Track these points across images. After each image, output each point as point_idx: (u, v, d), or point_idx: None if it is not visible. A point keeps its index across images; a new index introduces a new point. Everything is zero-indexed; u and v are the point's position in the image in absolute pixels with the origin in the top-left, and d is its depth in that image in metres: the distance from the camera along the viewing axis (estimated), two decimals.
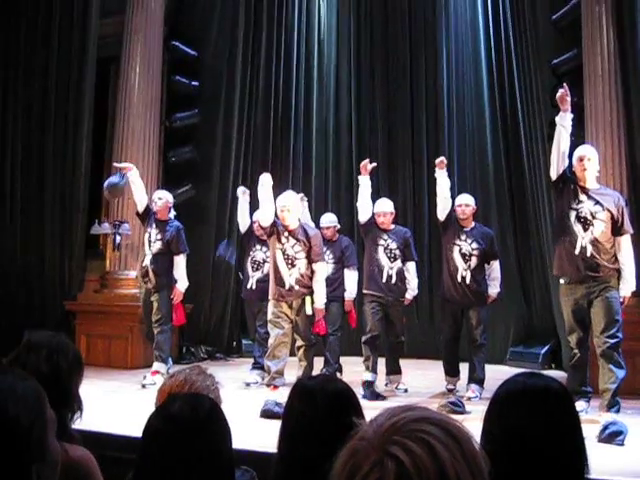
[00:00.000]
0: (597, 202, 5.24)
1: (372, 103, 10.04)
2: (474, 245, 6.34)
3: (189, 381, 2.21)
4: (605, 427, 4.48)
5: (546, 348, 8.09)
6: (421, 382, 6.97)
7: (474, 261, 6.32)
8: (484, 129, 9.27)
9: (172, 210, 7.47)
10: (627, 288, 5.22)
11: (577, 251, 5.21)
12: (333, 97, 10.24)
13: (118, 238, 8.21)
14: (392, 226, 6.78)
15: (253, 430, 4.44)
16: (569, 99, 5.33)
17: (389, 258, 6.58)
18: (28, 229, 8.80)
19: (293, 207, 6.09)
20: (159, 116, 9.00)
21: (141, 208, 7.29)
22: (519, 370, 1.97)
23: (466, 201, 6.48)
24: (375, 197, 9.49)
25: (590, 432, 4.36)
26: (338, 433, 0.97)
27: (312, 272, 6.09)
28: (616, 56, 6.70)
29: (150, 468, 1.62)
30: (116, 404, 5.54)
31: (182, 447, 1.60)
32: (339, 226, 7.49)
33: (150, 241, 7.16)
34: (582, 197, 5.27)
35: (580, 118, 7.05)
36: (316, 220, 7.69)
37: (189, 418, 1.65)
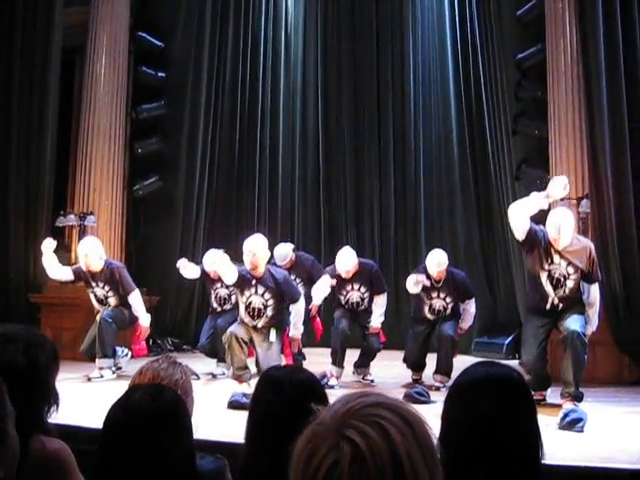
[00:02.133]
0: (570, 262, 5.18)
1: (338, 95, 10.06)
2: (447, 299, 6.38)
3: (157, 378, 2.21)
4: (565, 414, 4.58)
5: (510, 338, 8.21)
6: (388, 372, 7.04)
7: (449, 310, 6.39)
8: (450, 121, 9.37)
9: (101, 253, 6.94)
10: (589, 329, 5.29)
11: (548, 306, 5.29)
12: (300, 88, 10.24)
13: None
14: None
15: (221, 421, 4.47)
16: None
17: (351, 310, 6.61)
18: None
19: (261, 252, 5.83)
20: (125, 107, 8.93)
21: (68, 276, 6.92)
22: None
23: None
24: (342, 193, 9.66)
25: (551, 420, 4.48)
26: (304, 422, 1.01)
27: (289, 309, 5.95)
28: (579, 51, 6.80)
29: (111, 458, 1.63)
30: (85, 397, 5.52)
31: (142, 438, 1.60)
32: (292, 253, 7.12)
33: (102, 299, 6.87)
34: (555, 258, 5.19)
35: (544, 112, 7.18)
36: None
37: (149, 409, 1.65)
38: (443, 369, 6.22)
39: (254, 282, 5.84)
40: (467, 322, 6.61)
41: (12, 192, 8.64)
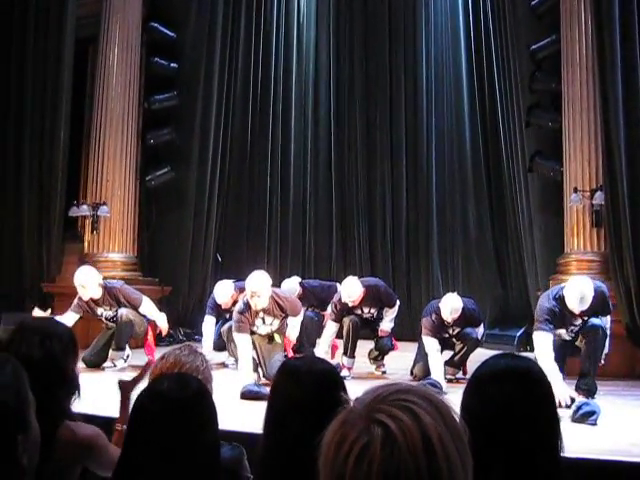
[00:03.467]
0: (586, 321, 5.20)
1: (351, 87, 10.05)
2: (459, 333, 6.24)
3: (179, 362, 2.25)
4: (579, 407, 4.57)
5: (521, 331, 8.19)
6: (400, 364, 7.04)
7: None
8: (462, 114, 9.34)
9: (98, 279, 6.77)
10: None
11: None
12: (312, 78, 10.24)
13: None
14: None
15: (235, 410, 4.49)
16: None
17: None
18: (6, 211, 8.74)
19: (264, 291, 5.72)
20: (138, 98, 8.96)
21: (75, 319, 6.60)
22: (495, 352, 2.03)
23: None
24: (354, 188, 9.65)
25: (564, 412, 4.47)
26: (323, 412, 1.01)
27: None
28: (594, 43, 6.74)
29: (138, 446, 1.66)
30: (98, 385, 5.56)
31: (169, 425, 1.63)
32: (300, 288, 7.14)
33: (112, 319, 6.79)
34: (574, 321, 5.22)
35: (558, 104, 7.13)
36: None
37: (177, 397, 1.68)
38: (455, 363, 6.22)
39: (261, 314, 5.85)
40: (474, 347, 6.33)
41: (26, 182, 8.69)
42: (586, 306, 5.03)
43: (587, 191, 6.68)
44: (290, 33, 10.21)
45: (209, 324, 7.13)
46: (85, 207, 8.40)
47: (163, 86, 9.37)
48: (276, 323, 5.92)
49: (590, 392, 5.03)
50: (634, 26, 6.48)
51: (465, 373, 6.11)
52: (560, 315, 5.14)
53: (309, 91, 10.23)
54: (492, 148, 8.95)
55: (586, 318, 5.15)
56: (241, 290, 6.35)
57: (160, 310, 8.35)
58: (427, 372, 6.00)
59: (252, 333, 5.90)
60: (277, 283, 6.70)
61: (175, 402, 1.68)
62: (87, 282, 6.62)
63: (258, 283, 5.74)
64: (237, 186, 9.90)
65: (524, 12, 7.86)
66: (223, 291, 7.02)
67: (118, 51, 8.65)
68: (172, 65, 9.41)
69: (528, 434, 1.55)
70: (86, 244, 8.58)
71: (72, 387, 2.23)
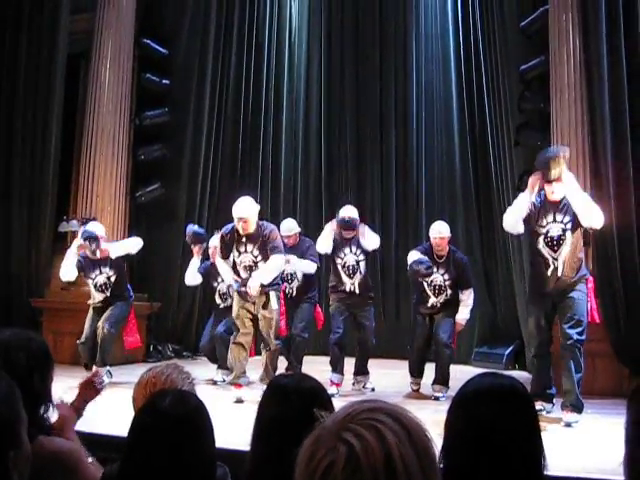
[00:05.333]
0: (565, 214, 5.23)
1: (342, 104, 10.11)
2: (446, 276, 6.41)
3: (165, 373, 2.25)
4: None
5: (510, 349, 8.23)
6: (387, 382, 7.05)
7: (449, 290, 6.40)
8: (452, 132, 9.40)
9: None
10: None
11: (549, 272, 5.27)
12: (303, 97, 10.30)
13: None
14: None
15: (222, 428, 4.47)
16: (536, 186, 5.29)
17: (348, 275, 6.61)
18: None
19: (251, 216, 5.94)
20: (129, 113, 8.99)
21: (75, 276, 7.05)
22: (482, 370, 2.05)
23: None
24: (344, 197, 9.65)
25: (551, 430, 4.48)
26: (309, 429, 1.03)
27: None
28: (582, 63, 6.82)
29: (138, 462, 1.66)
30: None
31: (170, 442, 1.64)
32: (299, 230, 7.27)
33: (102, 285, 6.92)
34: (549, 217, 5.26)
35: (546, 124, 7.20)
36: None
37: (178, 414, 1.69)
38: (441, 379, 6.26)
39: (244, 239, 5.98)
40: (463, 315, 6.47)
41: (15, 197, 8.68)
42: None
43: None
44: (282, 50, 10.28)
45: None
46: (75, 222, 8.38)
47: (154, 102, 9.40)
48: (260, 258, 5.97)
49: (576, 408, 5.05)
50: (620, 47, 6.56)
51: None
52: (535, 204, 5.30)
53: (300, 108, 10.28)
54: (481, 167, 9.01)
55: (563, 216, 5.22)
56: None
57: (148, 328, 8.39)
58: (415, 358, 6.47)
59: (234, 267, 6.04)
60: None
61: (177, 419, 1.69)
62: (100, 232, 6.94)
63: (246, 209, 5.92)
64: (227, 202, 9.87)
65: (513, 32, 7.94)
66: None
67: (110, 67, 8.68)
68: (164, 81, 9.45)
69: (511, 452, 1.57)
70: (77, 259, 8.54)
71: (40, 400, 2.21)
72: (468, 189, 9.19)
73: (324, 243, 6.63)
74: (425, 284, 6.41)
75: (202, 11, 9.63)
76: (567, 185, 5.19)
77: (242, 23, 9.90)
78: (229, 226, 6.11)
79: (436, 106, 9.60)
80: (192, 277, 7.58)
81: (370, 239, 6.67)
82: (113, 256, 6.89)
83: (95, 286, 6.94)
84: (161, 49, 9.46)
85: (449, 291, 6.39)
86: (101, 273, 6.90)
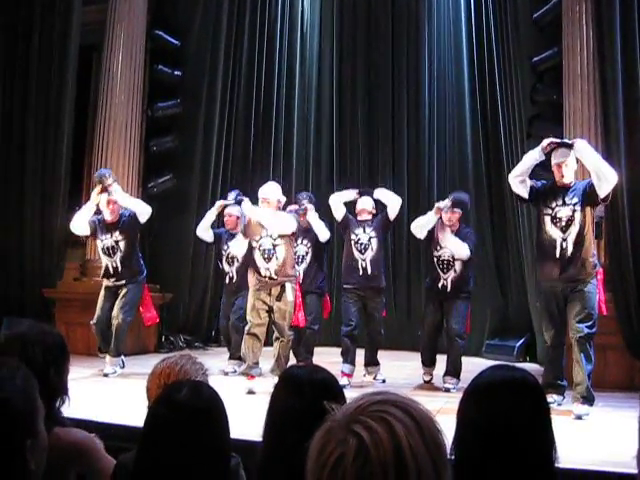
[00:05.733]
0: (572, 198, 5.30)
1: (353, 96, 10.08)
2: None
3: (179, 364, 2.27)
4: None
5: (521, 341, 8.22)
6: (398, 373, 7.07)
7: (457, 265, 6.41)
8: (464, 124, 9.37)
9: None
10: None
11: (557, 253, 5.27)
12: (315, 88, 10.28)
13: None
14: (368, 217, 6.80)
15: (233, 418, 4.50)
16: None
17: (360, 251, 6.64)
18: (8, 216, 8.75)
19: (273, 200, 6.15)
20: (141, 105, 8.99)
21: (86, 232, 7.09)
22: (494, 362, 2.06)
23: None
24: (356, 187, 9.62)
25: (562, 423, 4.48)
26: (321, 421, 1.04)
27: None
28: (595, 55, 6.77)
29: (154, 453, 1.68)
30: (100, 392, 5.59)
31: (186, 433, 1.66)
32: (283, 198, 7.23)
33: (109, 248, 6.93)
34: (558, 199, 5.32)
35: (559, 116, 7.16)
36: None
37: (194, 405, 1.71)
38: (452, 371, 6.27)
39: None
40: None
41: (28, 187, 8.72)
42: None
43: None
44: (294, 42, 10.25)
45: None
46: None
47: (166, 93, 9.42)
48: (279, 241, 6.10)
49: (587, 400, 5.05)
50: (635, 38, 6.52)
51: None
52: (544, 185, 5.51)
53: (312, 100, 10.27)
54: (494, 159, 8.98)
55: (572, 200, 5.29)
56: None
57: (160, 317, 8.42)
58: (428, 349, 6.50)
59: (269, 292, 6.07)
60: None
61: (193, 410, 1.71)
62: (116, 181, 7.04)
63: (271, 192, 6.22)
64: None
65: (526, 24, 7.90)
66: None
67: (122, 58, 8.69)
68: (176, 73, 9.46)
69: (523, 445, 1.58)
70: (87, 250, 8.60)
71: (57, 394, 2.24)
72: (480, 182, 9.16)
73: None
74: (435, 259, 6.43)
75: (214, 2, 9.63)
76: (578, 144, 5.27)
77: (254, 14, 9.88)
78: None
79: (448, 98, 9.56)
80: (204, 230, 7.53)
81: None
82: (120, 202, 6.89)
83: (103, 249, 6.95)
84: (173, 40, 9.47)
85: (457, 266, 6.37)
86: (111, 236, 6.91)
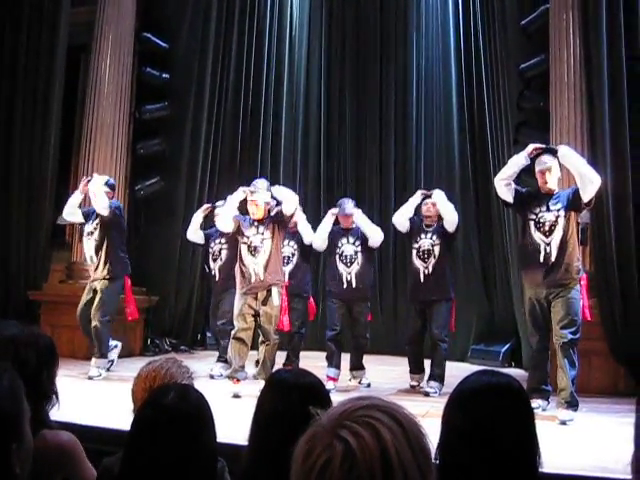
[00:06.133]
0: (556, 204, 5.37)
1: (341, 102, 10.12)
2: (434, 238, 6.46)
3: (165, 367, 2.27)
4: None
5: (507, 346, 8.24)
6: (384, 378, 7.08)
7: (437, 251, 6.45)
8: (452, 130, 9.40)
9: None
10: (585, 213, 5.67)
11: (542, 258, 5.32)
12: (303, 93, 10.29)
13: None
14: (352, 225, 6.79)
15: (219, 422, 4.49)
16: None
17: (345, 264, 6.65)
18: None
19: (262, 199, 6.12)
20: (129, 107, 8.96)
21: (79, 219, 7.27)
22: (479, 367, 2.07)
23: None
24: (342, 190, 9.66)
25: (546, 428, 4.50)
26: (307, 425, 1.04)
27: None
28: (582, 63, 6.82)
29: (140, 457, 1.67)
30: (85, 395, 5.55)
31: (173, 436, 1.66)
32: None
33: (89, 233, 7.10)
34: (542, 205, 5.39)
35: (545, 123, 7.20)
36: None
37: (181, 409, 1.71)
38: (436, 376, 6.29)
39: (255, 223, 6.15)
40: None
41: (14, 189, 8.67)
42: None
43: None
44: (282, 46, 10.26)
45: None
46: None
47: (154, 96, 9.39)
48: (267, 234, 6.09)
49: (571, 405, 5.08)
50: (621, 46, 6.57)
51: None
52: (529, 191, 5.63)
53: (300, 102, 10.28)
54: (480, 164, 9.01)
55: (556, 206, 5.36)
56: None
57: (146, 320, 8.39)
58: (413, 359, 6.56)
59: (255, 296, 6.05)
60: None
61: (179, 413, 1.70)
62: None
63: (259, 192, 6.13)
64: (226, 196, 9.88)
65: (514, 31, 7.94)
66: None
67: (110, 60, 8.65)
68: (164, 75, 9.43)
69: (507, 449, 1.58)
70: (73, 252, 8.56)
71: (47, 397, 2.23)
72: (467, 188, 9.19)
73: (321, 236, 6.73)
74: (414, 252, 6.47)
75: (203, 5, 9.61)
76: (562, 150, 5.39)
77: (243, 17, 9.87)
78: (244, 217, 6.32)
79: (436, 103, 9.60)
80: (193, 232, 7.63)
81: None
82: (91, 191, 6.94)
83: (85, 232, 7.13)
84: (161, 43, 9.44)
85: (437, 253, 6.41)
86: (92, 222, 7.05)
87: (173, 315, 9.42)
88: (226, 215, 6.30)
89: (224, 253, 7.31)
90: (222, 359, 7.12)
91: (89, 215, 7.12)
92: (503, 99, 8.19)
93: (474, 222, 9.10)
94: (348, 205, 6.76)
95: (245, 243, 6.13)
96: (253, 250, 6.07)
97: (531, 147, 5.45)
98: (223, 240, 7.31)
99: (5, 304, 8.35)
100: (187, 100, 9.54)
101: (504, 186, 5.51)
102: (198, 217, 7.54)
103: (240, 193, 6.27)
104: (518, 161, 5.47)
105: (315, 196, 10.07)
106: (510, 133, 7.99)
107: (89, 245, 7.06)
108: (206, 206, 7.61)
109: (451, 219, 6.43)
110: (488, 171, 8.72)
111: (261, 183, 6.30)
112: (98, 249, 6.97)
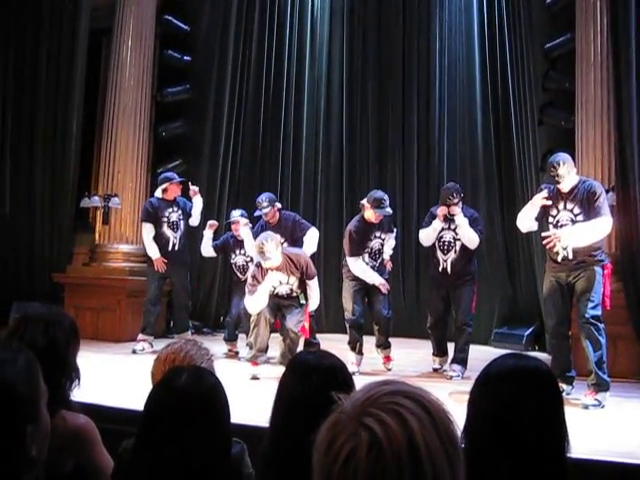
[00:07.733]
0: (575, 205, 5.29)
1: (363, 84, 10.00)
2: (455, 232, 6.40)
3: (184, 350, 2.26)
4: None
5: (530, 330, 8.17)
6: (407, 361, 7.05)
7: (458, 246, 6.38)
8: (475, 111, 9.28)
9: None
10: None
11: (560, 258, 5.30)
12: (325, 72, 10.20)
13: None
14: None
15: (238, 404, 4.49)
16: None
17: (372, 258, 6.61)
18: (17, 201, 8.77)
19: (274, 253, 5.82)
20: (150, 90, 8.97)
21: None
22: (503, 351, 2.03)
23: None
24: (365, 182, 9.61)
25: (571, 412, 4.46)
26: (329, 408, 1.01)
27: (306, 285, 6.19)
28: (609, 42, 6.68)
29: (153, 439, 1.66)
30: (107, 376, 5.60)
31: (186, 419, 1.65)
32: (279, 205, 7.21)
33: (174, 225, 7.74)
34: (560, 206, 5.33)
35: (571, 103, 7.09)
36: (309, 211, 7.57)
37: (194, 391, 1.70)
38: (459, 359, 6.27)
39: (275, 274, 6.01)
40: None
41: (38, 173, 8.73)
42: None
43: None
44: (303, 27, 10.18)
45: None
46: (96, 198, 8.41)
47: (176, 79, 9.37)
48: (294, 281, 6.05)
49: (599, 387, 5.02)
50: None
51: None
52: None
53: (322, 84, 10.19)
54: (504, 146, 8.90)
55: (574, 207, 5.31)
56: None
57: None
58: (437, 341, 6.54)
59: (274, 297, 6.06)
60: None
61: (192, 396, 1.69)
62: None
63: (267, 244, 5.79)
64: (248, 179, 9.89)
65: (539, 10, 7.81)
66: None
67: (132, 43, 8.66)
68: (185, 58, 9.42)
69: (535, 434, 1.55)
70: (97, 235, 8.61)
71: (74, 375, 2.24)
72: (490, 170, 9.09)
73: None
74: (436, 242, 6.43)
75: None
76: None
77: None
78: (254, 268, 6.19)
79: (459, 84, 9.47)
80: (206, 251, 7.84)
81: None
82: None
83: (168, 223, 7.70)
84: (183, 25, 9.42)
85: (457, 247, 6.36)
86: (174, 211, 7.72)
87: (195, 297, 9.44)
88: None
89: (251, 265, 7.19)
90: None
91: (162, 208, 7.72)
92: (528, 80, 8.07)
93: (498, 205, 9.00)
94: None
95: (272, 292, 6.09)
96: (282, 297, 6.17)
97: (536, 198, 5.44)
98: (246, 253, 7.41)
99: (31, 286, 8.43)
100: (209, 82, 9.51)
101: (527, 228, 5.68)
102: (207, 236, 7.72)
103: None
104: (531, 212, 5.48)
105: (337, 181, 10.01)
106: (535, 114, 7.88)
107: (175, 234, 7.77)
108: (212, 222, 7.81)
109: (470, 245, 6.37)
110: (512, 153, 8.63)
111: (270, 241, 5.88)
112: (181, 242, 7.80)
